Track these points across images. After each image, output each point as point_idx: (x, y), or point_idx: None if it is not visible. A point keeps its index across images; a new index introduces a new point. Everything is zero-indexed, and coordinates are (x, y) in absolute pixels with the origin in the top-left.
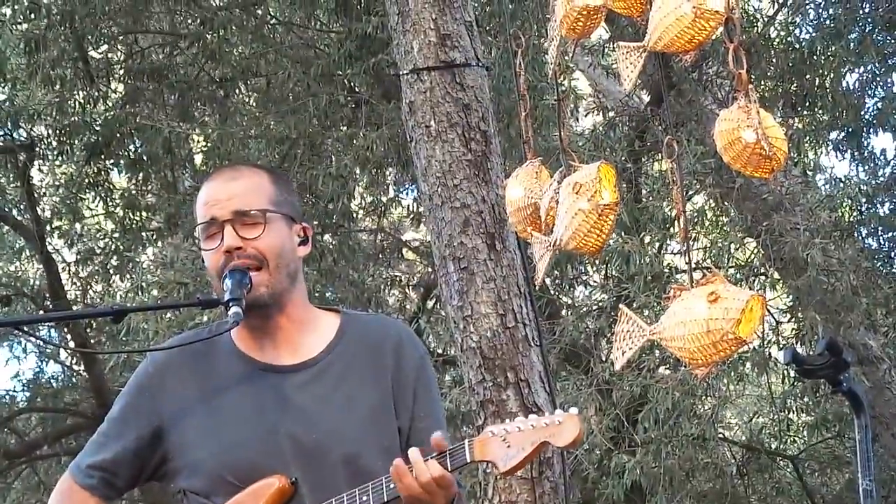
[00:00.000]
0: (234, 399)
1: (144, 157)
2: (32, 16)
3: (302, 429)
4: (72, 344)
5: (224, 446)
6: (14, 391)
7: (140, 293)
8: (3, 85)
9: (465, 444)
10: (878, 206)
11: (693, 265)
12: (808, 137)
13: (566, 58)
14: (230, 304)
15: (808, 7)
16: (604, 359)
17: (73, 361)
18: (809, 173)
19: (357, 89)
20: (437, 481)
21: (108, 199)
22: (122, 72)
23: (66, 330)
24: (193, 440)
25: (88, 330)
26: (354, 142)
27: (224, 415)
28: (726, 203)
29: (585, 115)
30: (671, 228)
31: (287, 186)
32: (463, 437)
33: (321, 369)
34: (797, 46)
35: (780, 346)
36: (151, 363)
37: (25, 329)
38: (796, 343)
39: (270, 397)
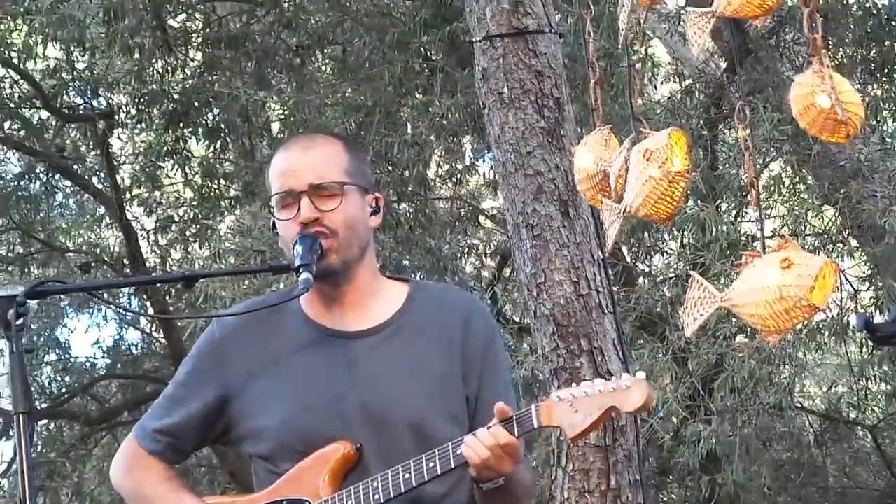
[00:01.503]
0: (301, 365)
1: (222, 125)
2: None
3: (368, 395)
4: (151, 312)
5: (290, 412)
6: (94, 358)
7: (218, 260)
8: (82, 54)
9: (531, 410)
10: None
11: (769, 233)
12: (887, 104)
13: (641, 25)
14: (301, 270)
15: None
16: (679, 327)
17: (153, 329)
18: (888, 140)
19: (432, 57)
20: (503, 448)
21: (187, 167)
22: (199, 40)
23: (145, 297)
24: (259, 406)
25: (167, 297)
26: (430, 109)
27: (290, 380)
28: (803, 170)
29: (662, 83)
30: (747, 196)
31: (361, 155)
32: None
33: (388, 336)
34: (875, 12)
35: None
36: (219, 328)
37: (104, 296)
38: (874, 311)
39: (337, 363)
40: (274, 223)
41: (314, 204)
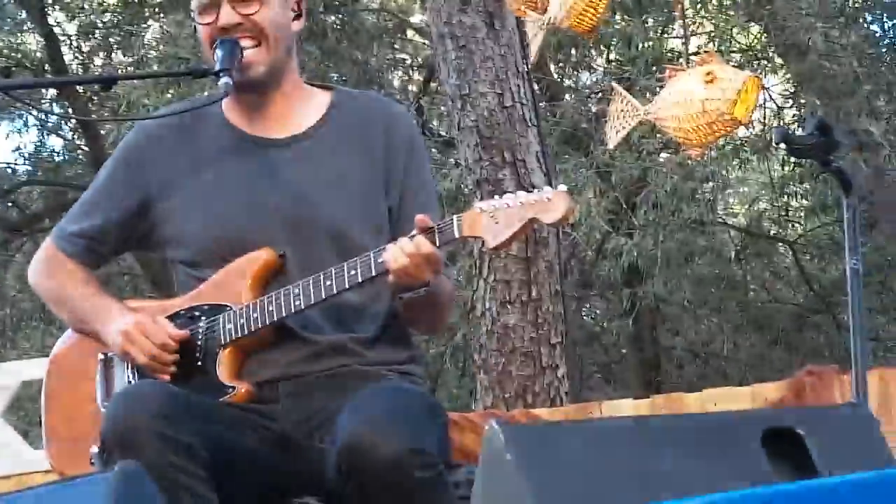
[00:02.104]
0: (223, 170)
1: None
2: None
3: (290, 202)
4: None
5: (211, 218)
6: (15, 164)
7: (141, 67)
8: None
9: (453, 220)
10: None
11: (695, 49)
12: None
13: None
14: (221, 74)
15: None
16: (604, 142)
17: (76, 136)
18: None
19: None
20: (424, 257)
21: None
22: None
23: (67, 104)
24: (181, 211)
25: (90, 105)
26: None
27: (212, 186)
28: None
29: None
30: (673, 11)
31: None
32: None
33: (311, 144)
34: None
35: None
36: (140, 133)
37: (21, 98)
38: (796, 128)
39: (259, 170)
40: (195, 28)
41: (234, 9)
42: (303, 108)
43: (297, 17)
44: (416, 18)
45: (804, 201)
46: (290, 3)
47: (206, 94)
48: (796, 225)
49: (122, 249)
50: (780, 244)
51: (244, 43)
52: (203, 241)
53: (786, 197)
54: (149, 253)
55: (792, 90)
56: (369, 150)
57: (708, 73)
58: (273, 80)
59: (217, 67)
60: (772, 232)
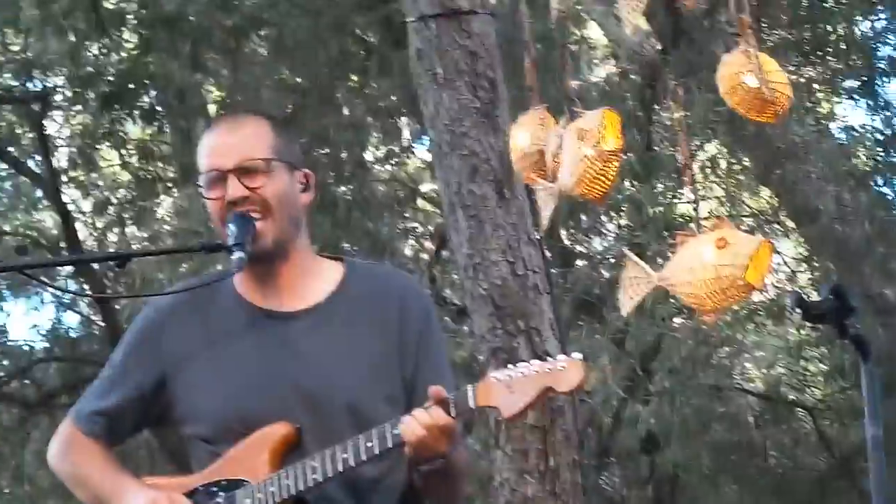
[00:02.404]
0: (237, 345)
1: (158, 108)
2: None
3: (305, 376)
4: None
5: (227, 393)
6: (32, 341)
7: (154, 242)
8: (16, 35)
9: (468, 390)
10: (893, 154)
11: (706, 214)
12: (821, 86)
13: (577, 7)
14: (233, 250)
15: None
16: (617, 308)
17: (91, 312)
18: (823, 122)
19: (368, 38)
20: (440, 428)
21: (123, 150)
22: (134, 21)
23: (83, 280)
24: (197, 387)
25: (105, 281)
26: (366, 91)
27: (227, 361)
28: (739, 151)
29: (598, 65)
30: (682, 177)
31: (287, 134)
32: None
33: (324, 316)
34: None
35: None
36: (154, 309)
37: (37, 276)
38: (811, 292)
39: (273, 344)
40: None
41: (241, 181)
42: (314, 281)
43: (305, 190)
44: (426, 187)
45: (822, 365)
46: (298, 177)
47: (219, 267)
48: (815, 389)
49: (140, 427)
50: (799, 409)
51: (254, 215)
52: (219, 417)
53: (803, 361)
54: (167, 429)
55: (805, 254)
56: (384, 322)
57: (720, 239)
58: (281, 252)
59: (230, 242)
60: (790, 397)
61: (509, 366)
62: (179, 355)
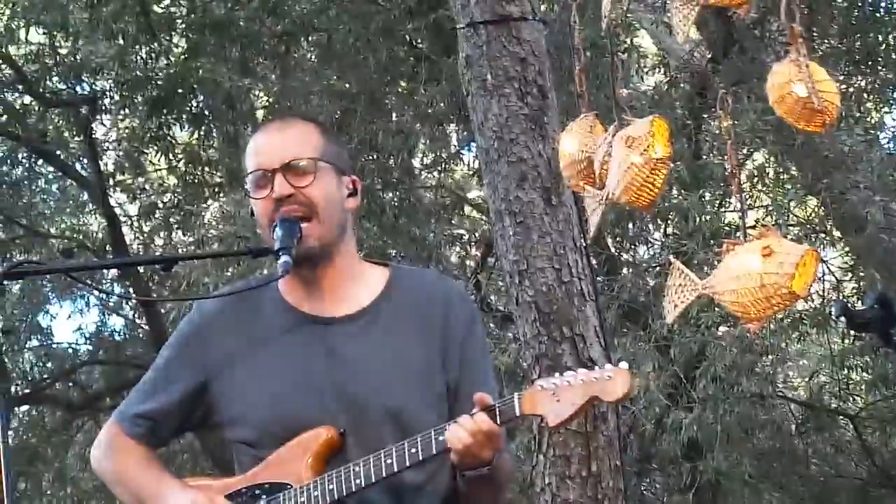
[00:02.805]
0: (280, 350)
1: (206, 112)
2: None
3: (347, 382)
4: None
5: (270, 398)
6: (77, 344)
7: (201, 247)
8: (65, 38)
9: (514, 398)
10: None
11: (753, 222)
12: (870, 95)
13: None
14: (280, 254)
15: None
16: (662, 316)
17: (136, 315)
18: (872, 131)
19: (418, 44)
20: (485, 435)
21: (171, 154)
22: (183, 26)
23: (128, 284)
24: (239, 392)
25: (150, 284)
26: (415, 97)
27: (270, 366)
28: (787, 161)
29: (648, 74)
30: (730, 185)
31: (336, 139)
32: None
33: (369, 321)
34: (860, 4)
35: None
36: (198, 314)
37: (83, 278)
38: (856, 302)
39: (317, 348)
40: (252, 210)
41: (287, 180)
42: (358, 286)
43: (352, 195)
44: (473, 194)
45: (865, 374)
46: (346, 182)
47: (265, 272)
48: (857, 398)
49: (183, 430)
50: (842, 417)
51: (299, 217)
52: (262, 421)
53: (846, 370)
54: (210, 433)
55: (851, 263)
56: (428, 328)
57: (765, 247)
58: (326, 255)
59: (277, 246)
60: (833, 405)
61: (555, 374)
62: (223, 360)
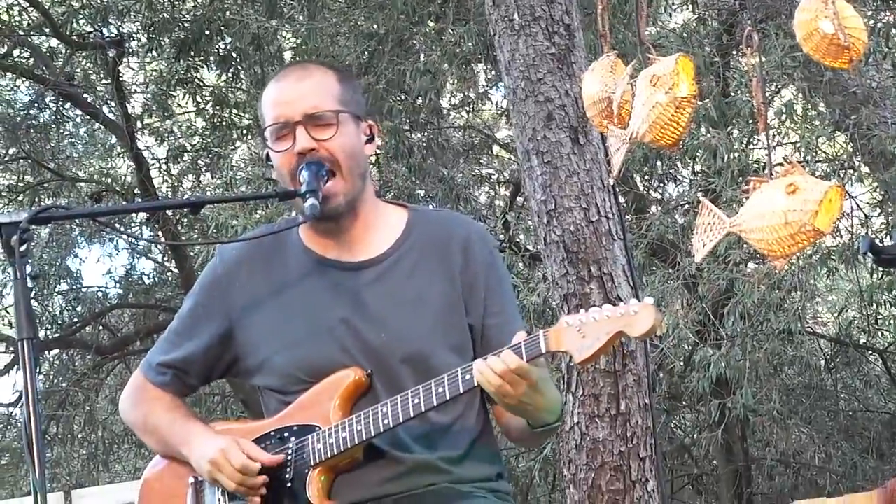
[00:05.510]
0: (302, 296)
1: (233, 54)
2: None
3: (370, 327)
4: (161, 239)
5: (293, 344)
6: (106, 288)
7: (230, 189)
8: None
9: (539, 335)
10: None
11: (781, 159)
12: None
13: None
14: (307, 196)
15: None
16: (690, 253)
17: (165, 258)
18: None
19: None
20: (514, 371)
21: (198, 96)
22: None
23: (157, 227)
24: (263, 338)
25: (179, 227)
26: (442, 37)
27: (292, 312)
28: (815, 97)
29: (676, 11)
30: (757, 122)
31: (354, 84)
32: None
33: (389, 266)
34: None
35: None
36: (220, 261)
37: (111, 223)
38: (885, 237)
39: (338, 294)
40: (268, 155)
41: (310, 133)
42: (379, 230)
43: (369, 140)
44: (501, 134)
45: (894, 309)
46: (363, 128)
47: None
48: (886, 333)
49: (209, 378)
50: (870, 353)
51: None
52: (286, 367)
53: (875, 305)
54: (238, 380)
55: (879, 199)
56: (448, 269)
57: (790, 185)
58: (351, 209)
59: (304, 189)
60: (861, 341)
61: (581, 311)
62: (246, 307)
